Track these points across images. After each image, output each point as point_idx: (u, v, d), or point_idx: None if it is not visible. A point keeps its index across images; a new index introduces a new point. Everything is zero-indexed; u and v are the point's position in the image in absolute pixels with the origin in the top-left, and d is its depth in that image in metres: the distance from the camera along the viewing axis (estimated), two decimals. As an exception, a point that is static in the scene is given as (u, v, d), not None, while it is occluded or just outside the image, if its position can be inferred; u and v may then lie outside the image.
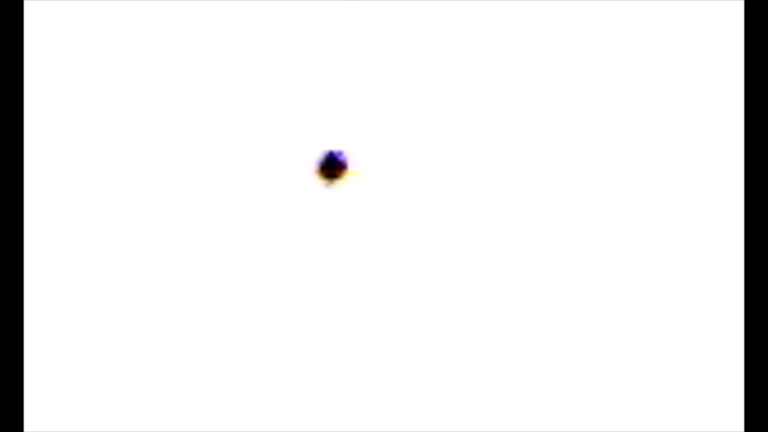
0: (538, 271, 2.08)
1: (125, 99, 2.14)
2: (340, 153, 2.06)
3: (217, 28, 2.13)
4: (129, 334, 2.10)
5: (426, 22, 2.12)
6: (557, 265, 2.07)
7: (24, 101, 2.13)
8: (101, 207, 2.13)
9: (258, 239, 2.09)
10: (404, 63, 2.12)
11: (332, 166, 2.06)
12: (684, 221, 2.07)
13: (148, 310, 2.10)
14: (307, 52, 2.12)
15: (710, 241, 2.06)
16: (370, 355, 2.08)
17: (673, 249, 2.07)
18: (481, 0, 2.10)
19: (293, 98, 2.11)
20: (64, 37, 2.15)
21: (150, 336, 2.10)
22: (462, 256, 2.09)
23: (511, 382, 2.07)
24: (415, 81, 2.11)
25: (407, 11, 2.12)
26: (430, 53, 2.12)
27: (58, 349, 2.10)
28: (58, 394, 2.08)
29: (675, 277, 2.07)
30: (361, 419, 2.08)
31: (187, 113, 2.13)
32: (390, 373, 2.08)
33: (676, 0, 2.07)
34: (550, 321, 2.07)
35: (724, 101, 2.07)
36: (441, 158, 2.09)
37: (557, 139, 2.09)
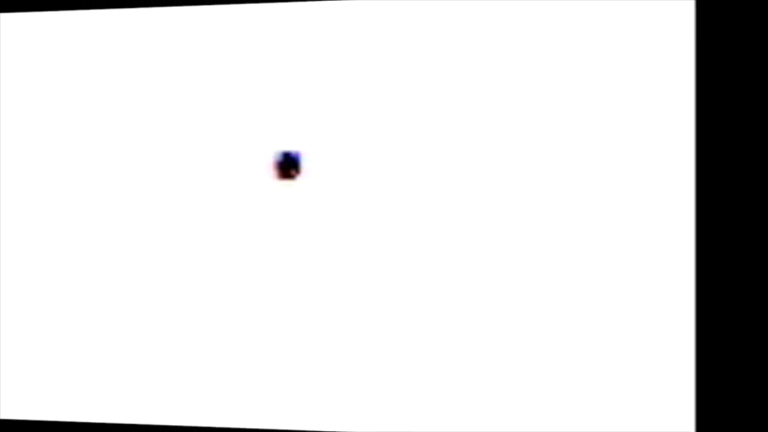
0: (511, 268, 2.08)
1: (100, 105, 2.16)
2: (296, 153, 2.07)
3: (186, 35, 2.15)
4: (102, 331, 2.13)
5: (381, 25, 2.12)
6: (542, 266, 2.08)
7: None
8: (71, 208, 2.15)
9: (215, 237, 2.11)
10: (365, 65, 2.12)
11: (288, 166, 2.08)
12: (635, 225, 2.07)
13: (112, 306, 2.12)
14: (273, 55, 2.13)
15: (661, 246, 2.05)
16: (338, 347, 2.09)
17: (624, 254, 2.07)
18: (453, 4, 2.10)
19: (250, 100, 2.12)
20: (39, 50, 2.17)
21: (123, 333, 2.12)
22: (431, 255, 2.09)
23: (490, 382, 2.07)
24: (373, 84, 2.11)
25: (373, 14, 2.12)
26: (392, 55, 2.12)
27: (33, 344, 2.12)
28: (30, 382, 2.11)
29: (628, 282, 2.07)
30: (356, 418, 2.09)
31: (153, 116, 2.15)
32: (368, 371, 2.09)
33: (628, 1, 2.06)
34: (543, 321, 2.08)
35: (675, 103, 2.06)
36: (396, 159, 2.09)
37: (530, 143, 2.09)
